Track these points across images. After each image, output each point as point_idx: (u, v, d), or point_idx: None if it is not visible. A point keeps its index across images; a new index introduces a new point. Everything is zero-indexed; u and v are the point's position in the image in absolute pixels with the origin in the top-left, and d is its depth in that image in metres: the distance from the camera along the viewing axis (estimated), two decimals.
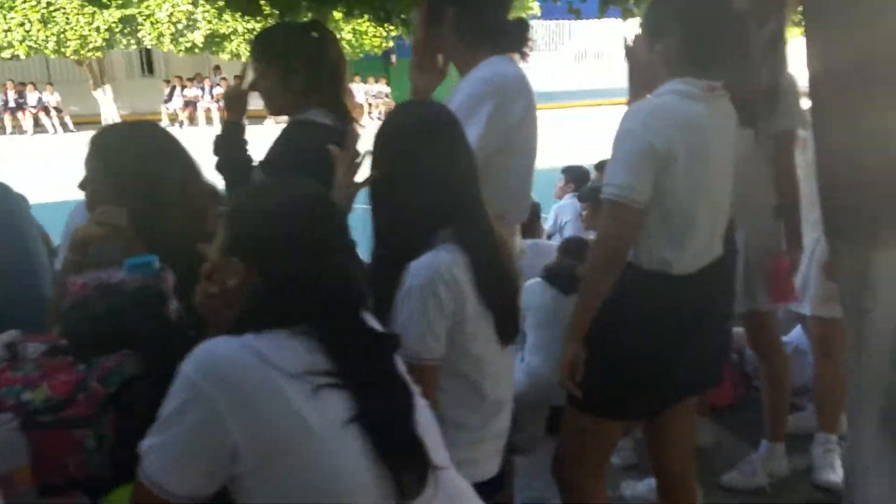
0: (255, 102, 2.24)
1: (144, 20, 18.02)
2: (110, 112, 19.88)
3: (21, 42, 17.76)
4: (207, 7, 4.38)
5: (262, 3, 3.93)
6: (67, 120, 19.88)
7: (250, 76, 2.22)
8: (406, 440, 1.20)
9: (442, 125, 1.65)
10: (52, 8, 17.43)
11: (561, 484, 2.15)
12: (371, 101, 21.06)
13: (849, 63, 1.79)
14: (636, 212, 1.82)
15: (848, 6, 1.81)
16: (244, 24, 16.74)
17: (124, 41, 18.50)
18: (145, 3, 17.74)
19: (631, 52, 2.09)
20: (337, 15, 4.22)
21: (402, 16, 4.18)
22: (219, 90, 20.04)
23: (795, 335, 3.55)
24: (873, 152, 1.81)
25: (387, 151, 1.62)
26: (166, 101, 20.37)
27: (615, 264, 1.86)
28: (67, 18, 17.64)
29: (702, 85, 1.85)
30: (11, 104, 19.57)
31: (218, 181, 2.06)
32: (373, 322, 1.34)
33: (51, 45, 17.88)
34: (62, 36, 17.82)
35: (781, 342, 3.06)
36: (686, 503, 2.23)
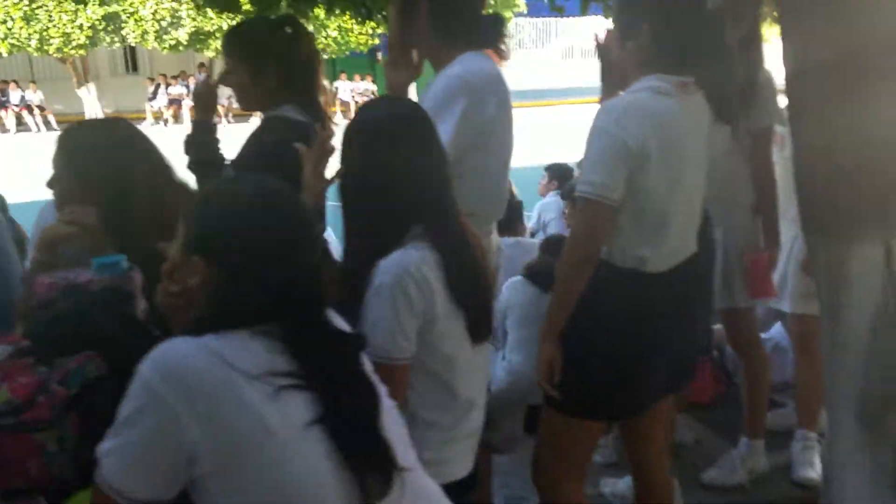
0: None
1: (128, 17, 17.90)
2: (94, 110, 19.72)
3: (3, 40, 17.60)
4: (191, 4, 4.35)
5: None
6: (51, 118, 19.70)
7: (216, 73, 2.20)
8: (371, 442, 1.19)
9: (411, 122, 1.62)
10: (34, 5, 17.27)
11: (539, 486, 2.14)
12: (357, 99, 20.99)
13: (825, 59, 1.79)
14: (609, 210, 1.81)
15: (823, 3, 1.81)
16: (229, 21, 16.63)
17: (108, 39, 18.37)
18: (129, 1, 17.62)
19: (602, 50, 2.08)
20: (318, 12, 4.18)
21: (384, 13, 4.15)
22: None
23: (776, 332, 3.56)
24: (850, 148, 1.81)
25: (355, 148, 1.60)
26: (151, 99, 20.23)
27: (588, 262, 1.85)
28: (50, 16, 17.48)
29: (674, 81, 1.85)
30: None
31: (192, 180, 2.03)
32: (338, 321, 1.32)
33: (33, 42, 17.73)
34: (45, 33, 17.67)
35: (760, 339, 3.06)
36: (663, 502, 2.23)
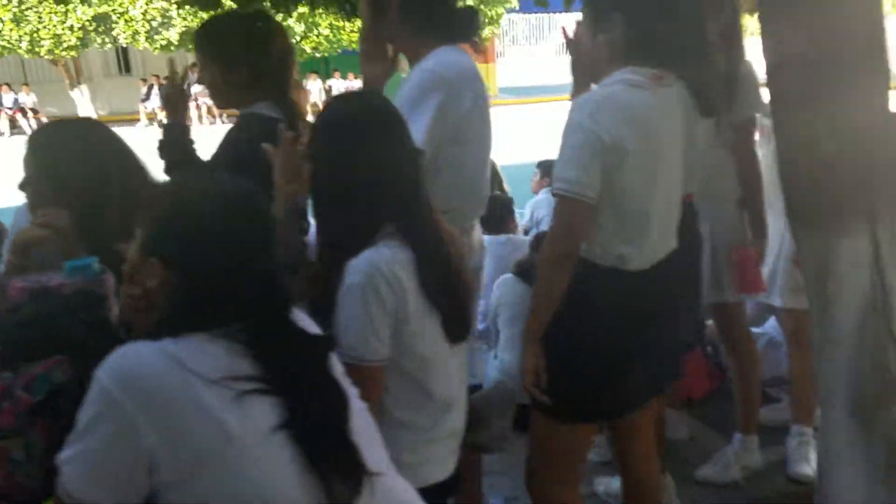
0: None
1: (119, 18, 17.82)
2: (88, 112, 19.66)
3: None
4: (185, 4, 4.24)
5: None
6: (44, 121, 19.60)
7: (181, 72, 2.18)
8: (338, 446, 1.15)
9: (380, 117, 1.59)
10: (24, 7, 17.17)
11: (531, 491, 2.10)
12: None
13: (803, 52, 1.78)
14: (586, 207, 1.77)
15: None
16: None
17: (99, 40, 18.28)
18: (119, 1, 17.53)
19: (573, 43, 2.03)
20: (302, 8, 4.15)
21: None
22: (196, 88, 19.89)
23: (769, 326, 3.54)
24: (833, 140, 1.79)
25: (323, 144, 1.57)
26: (144, 100, 20.14)
27: (567, 259, 1.82)
28: (40, 17, 17.38)
29: (648, 74, 1.80)
30: None
31: None
32: (306, 323, 1.28)
33: (24, 44, 17.63)
34: (35, 35, 17.57)
35: (750, 334, 3.04)
36: (652, 501, 2.20)
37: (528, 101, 20.91)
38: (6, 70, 20.81)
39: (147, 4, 17.68)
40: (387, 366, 1.54)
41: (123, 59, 22.87)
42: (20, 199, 1.76)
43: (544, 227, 5.03)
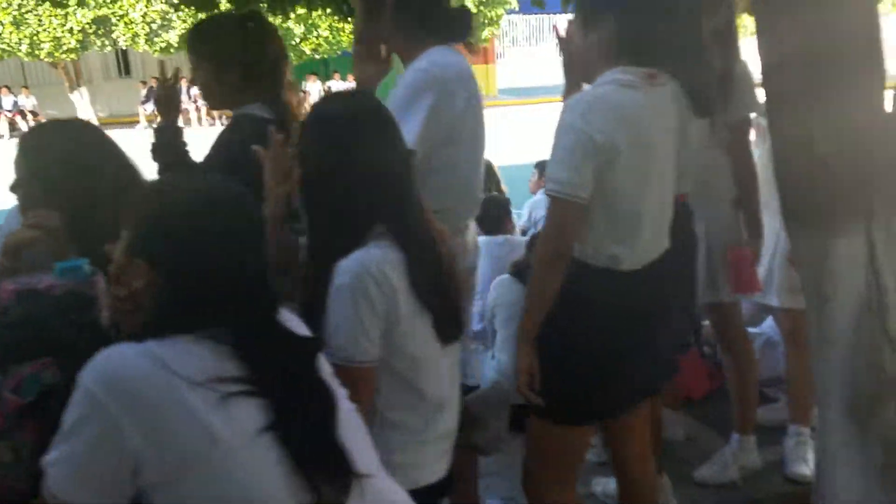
0: None
1: (118, 21, 17.82)
2: (87, 115, 19.66)
3: None
4: (181, 6, 4.20)
5: None
6: None
7: (172, 74, 2.17)
8: (325, 448, 1.15)
9: (369, 116, 1.58)
10: (23, 10, 17.18)
11: (528, 494, 2.08)
12: None
13: (800, 52, 1.77)
14: (579, 208, 1.76)
15: None
16: None
17: (98, 42, 18.29)
18: (118, 4, 17.54)
19: (564, 43, 2.01)
20: (299, 9, 4.14)
21: None
22: (196, 91, 19.89)
23: (767, 326, 3.53)
24: (829, 140, 1.79)
25: (312, 144, 1.56)
26: (143, 102, 20.15)
27: (560, 259, 1.81)
28: (40, 20, 17.39)
29: (640, 73, 1.79)
30: None
31: None
32: (294, 324, 1.27)
33: (24, 47, 17.63)
34: (35, 38, 17.57)
35: (747, 333, 3.03)
36: (647, 502, 2.19)
37: (527, 101, 20.89)
38: (6, 73, 20.83)
39: (147, 7, 17.69)
40: (378, 367, 1.53)
41: (123, 62, 22.89)
42: (14, 201, 1.75)
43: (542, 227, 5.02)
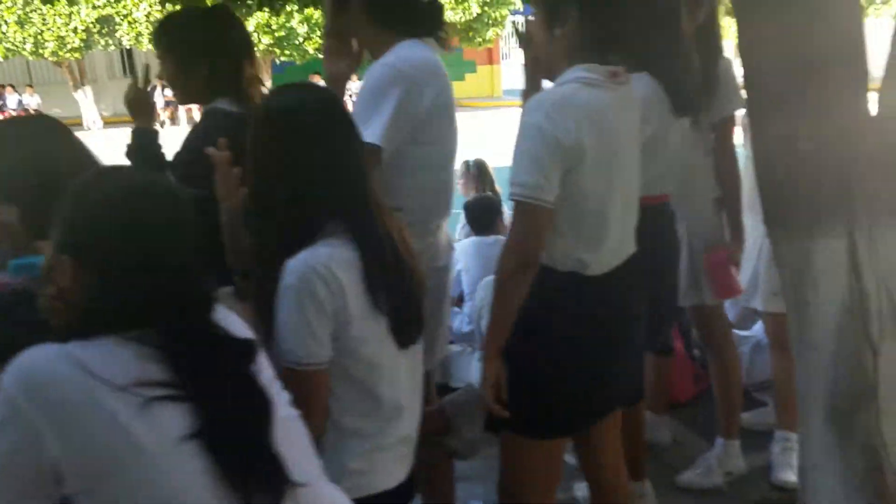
0: None
1: (122, 20, 17.85)
2: (91, 114, 19.71)
3: None
4: (169, 3, 4.15)
5: None
6: None
7: (141, 75, 2.15)
8: (256, 456, 1.10)
9: (321, 109, 1.53)
10: (28, 9, 17.22)
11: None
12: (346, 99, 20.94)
13: (782, 55, 1.74)
14: (546, 212, 1.67)
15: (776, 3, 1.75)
16: None
17: (102, 41, 18.33)
18: (122, 3, 17.56)
19: (526, 39, 1.93)
20: (290, 8, 4.11)
21: None
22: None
23: (756, 330, 3.48)
24: (811, 142, 1.76)
25: (259, 138, 1.51)
26: None
27: (527, 269, 1.72)
28: (44, 19, 17.44)
29: (603, 71, 1.72)
30: None
31: None
32: (236, 326, 1.22)
33: (28, 46, 17.70)
34: (39, 37, 17.63)
35: (731, 336, 2.98)
36: None
37: None
38: (10, 72, 20.89)
39: (150, 7, 17.70)
40: (333, 371, 1.48)
41: (127, 61, 22.93)
42: None
43: None
